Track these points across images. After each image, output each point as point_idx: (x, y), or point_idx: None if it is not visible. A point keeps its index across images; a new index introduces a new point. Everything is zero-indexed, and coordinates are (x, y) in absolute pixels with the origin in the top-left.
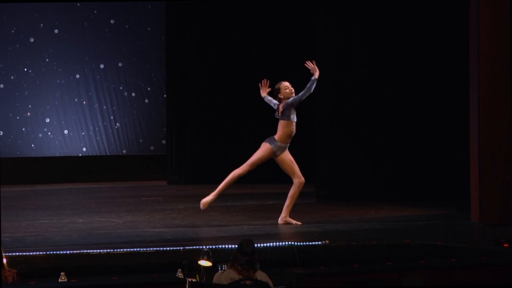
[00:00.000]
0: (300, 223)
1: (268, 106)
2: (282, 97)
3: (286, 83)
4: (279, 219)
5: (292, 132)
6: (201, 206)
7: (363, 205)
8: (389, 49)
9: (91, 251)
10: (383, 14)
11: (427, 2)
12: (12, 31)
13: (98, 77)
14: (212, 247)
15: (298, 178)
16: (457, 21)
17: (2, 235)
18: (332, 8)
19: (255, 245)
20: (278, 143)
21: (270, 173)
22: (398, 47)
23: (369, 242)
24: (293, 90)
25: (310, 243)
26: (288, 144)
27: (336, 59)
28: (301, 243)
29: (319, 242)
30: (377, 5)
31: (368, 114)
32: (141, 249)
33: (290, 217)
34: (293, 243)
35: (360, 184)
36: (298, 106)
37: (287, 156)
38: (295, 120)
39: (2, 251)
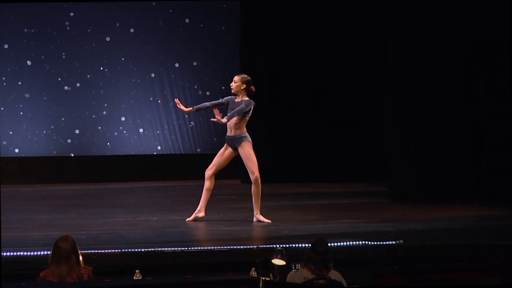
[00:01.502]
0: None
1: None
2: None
3: (235, 78)
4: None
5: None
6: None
7: (436, 204)
8: (454, 57)
9: (166, 249)
10: (447, 19)
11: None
12: (89, 30)
13: (172, 76)
14: (285, 246)
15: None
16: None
17: (78, 232)
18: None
19: (329, 244)
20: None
21: (344, 171)
22: (461, 54)
23: (444, 242)
24: (232, 86)
25: (384, 243)
26: (236, 136)
27: (407, 62)
28: (375, 243)
29: (393, 242)
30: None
31: (439, 114)
32: (215, 247)
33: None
34: (366, 242)
35: (433, 183)
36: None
37: (244, 151)
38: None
39: (78, 248)
